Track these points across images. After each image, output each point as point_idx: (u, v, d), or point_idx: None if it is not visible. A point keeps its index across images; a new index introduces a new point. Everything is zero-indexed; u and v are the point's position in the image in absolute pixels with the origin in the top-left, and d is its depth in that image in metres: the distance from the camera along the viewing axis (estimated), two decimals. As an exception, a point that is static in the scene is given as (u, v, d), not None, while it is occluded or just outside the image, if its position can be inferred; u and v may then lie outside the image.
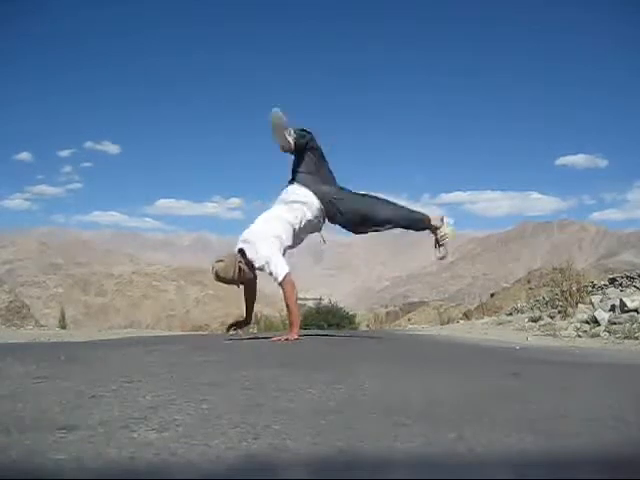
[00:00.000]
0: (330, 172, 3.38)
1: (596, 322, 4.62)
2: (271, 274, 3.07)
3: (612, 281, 7.49)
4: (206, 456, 0.70)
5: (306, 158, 3.29)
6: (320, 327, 11.03)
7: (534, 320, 6.33)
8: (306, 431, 0.83)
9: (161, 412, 0.94)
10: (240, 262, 3.12)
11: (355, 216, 3.30)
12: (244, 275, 3.14)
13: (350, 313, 13.27)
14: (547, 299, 7.87)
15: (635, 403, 1.18)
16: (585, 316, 5.06)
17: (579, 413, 1.03)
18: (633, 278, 7.16)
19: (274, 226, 3.18)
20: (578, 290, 6.40)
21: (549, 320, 5.95)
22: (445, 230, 3.53)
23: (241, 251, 3.15)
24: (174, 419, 0.89)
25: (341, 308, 13.21)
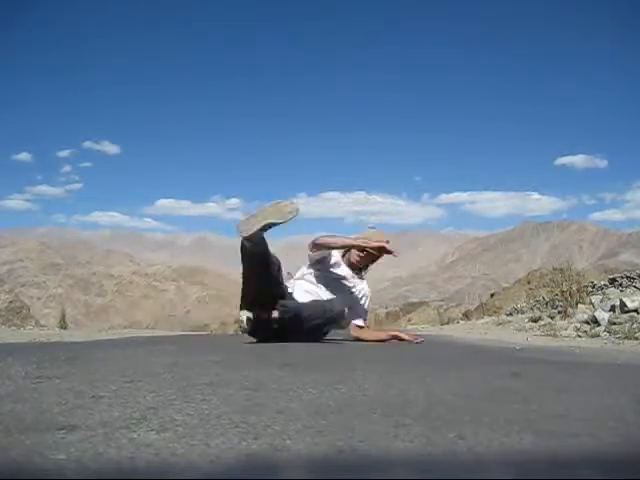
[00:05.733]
0: None
1: (596, 322, 4.62)
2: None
3: (612, 281, 7.49)
4: (206, 456, 0.69)
5: None
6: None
7: (534, 320, 6.33)
8: (306, 431, 0.83)
9: (161, 412, 0.94)
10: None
11: None
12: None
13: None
14: (547, 299, 7.87)
15: (635, 403, 1.18)
16: (585, 316, 5.06)
17: (579, 413, 1.03)
18: (633, 278, 7.16)
19: None
20: (578, 290, 6.40)
21: (549, 320, 5.95)
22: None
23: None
24: (174, 419, 0.89)
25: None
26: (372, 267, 3.43)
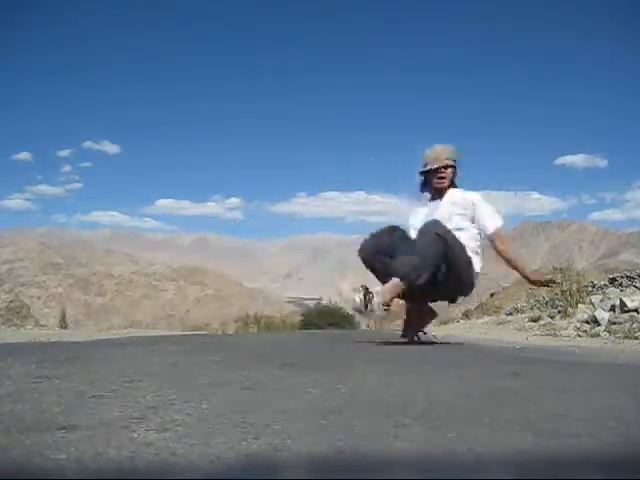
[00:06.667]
0: None
1: (596, 322, 4.61)
2: None
3: (612, 281, 7.49)
4: (206, 456, 0.69)
5: None
6: (320, 327, 11.04)
7: (534, 320, 6.32)
8: (306, 431, 0.83)
9: (161, 412, 0.94)
10: None
11: None
12: None
13: (350, 313, 13.28)
14: (547, 299, 7.86)
15: (635, 403, 1.18)
16: (585, 316, 5.06)
17: (579, 413, 1.03)
18: (633, 278, 7.16)
19: None
20: (578, 290, 6.39)
21: (549, 320, 5.95)
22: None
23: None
24: (174, 419, 0.89)
25: (341, 308, 13.22)
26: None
